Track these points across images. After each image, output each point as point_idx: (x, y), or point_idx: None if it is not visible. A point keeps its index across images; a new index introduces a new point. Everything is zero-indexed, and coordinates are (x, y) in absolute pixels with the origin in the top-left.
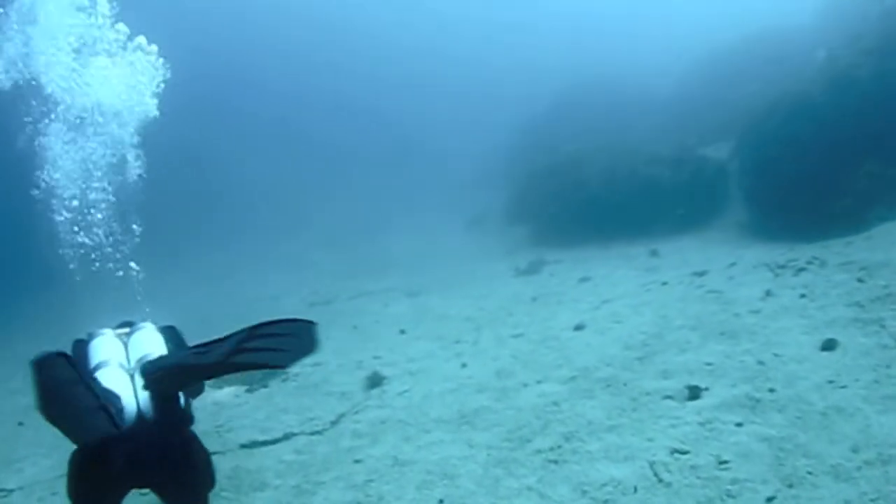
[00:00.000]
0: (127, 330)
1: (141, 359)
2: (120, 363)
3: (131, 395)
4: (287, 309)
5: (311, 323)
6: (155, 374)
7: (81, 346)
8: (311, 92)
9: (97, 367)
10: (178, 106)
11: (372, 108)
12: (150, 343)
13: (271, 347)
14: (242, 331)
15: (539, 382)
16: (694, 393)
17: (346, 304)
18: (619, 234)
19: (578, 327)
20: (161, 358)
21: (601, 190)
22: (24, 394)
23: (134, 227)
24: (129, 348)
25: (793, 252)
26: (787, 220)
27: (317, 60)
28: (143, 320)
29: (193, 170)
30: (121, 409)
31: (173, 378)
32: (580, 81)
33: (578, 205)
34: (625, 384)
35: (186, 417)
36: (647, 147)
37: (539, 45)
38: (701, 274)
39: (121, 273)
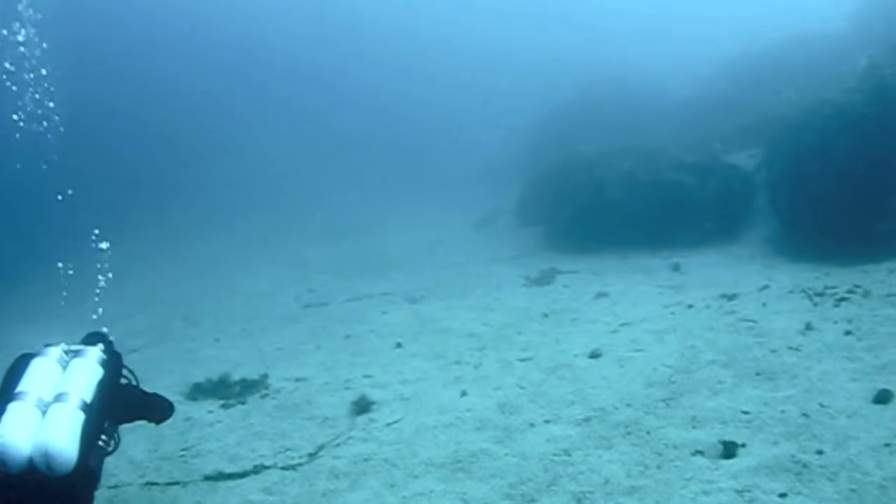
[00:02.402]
0: (79, 348)
1: (59, 396)
2: (38, 398)
3: (27, 441)
4: (281, 309)
5: None
6: None
7: (24, 361)
8: (320, 81)
9: (14, 397)
10: (186, 84)
11: (382, 99)
12: (81, 378)
13: None
14: None
15: (548, 422)
16: (729, 450)
17: (341, 307)
18: (638, 244)
19: (594, 355)
20: None
21: (620, 195)
22: None
23: None
24: (63, 377)
25: (830, 277)
26: (821, 239)
27: (329, 49)
28: (105, 338)
29: (191, 156)
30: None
31: None
32: (601, 77)
33: (595, 209)
34: (648, 432)
35: (86, 477)
36: (671, 152)
37: (559, 38)
38: (731, 297)
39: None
